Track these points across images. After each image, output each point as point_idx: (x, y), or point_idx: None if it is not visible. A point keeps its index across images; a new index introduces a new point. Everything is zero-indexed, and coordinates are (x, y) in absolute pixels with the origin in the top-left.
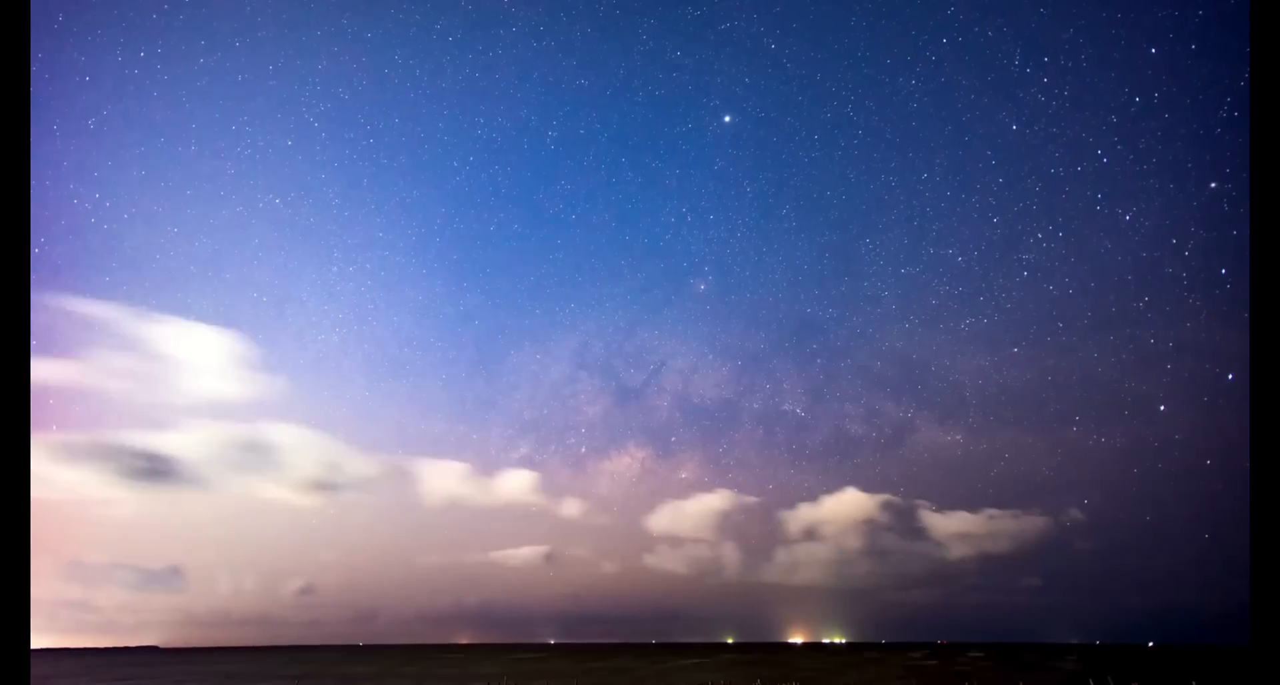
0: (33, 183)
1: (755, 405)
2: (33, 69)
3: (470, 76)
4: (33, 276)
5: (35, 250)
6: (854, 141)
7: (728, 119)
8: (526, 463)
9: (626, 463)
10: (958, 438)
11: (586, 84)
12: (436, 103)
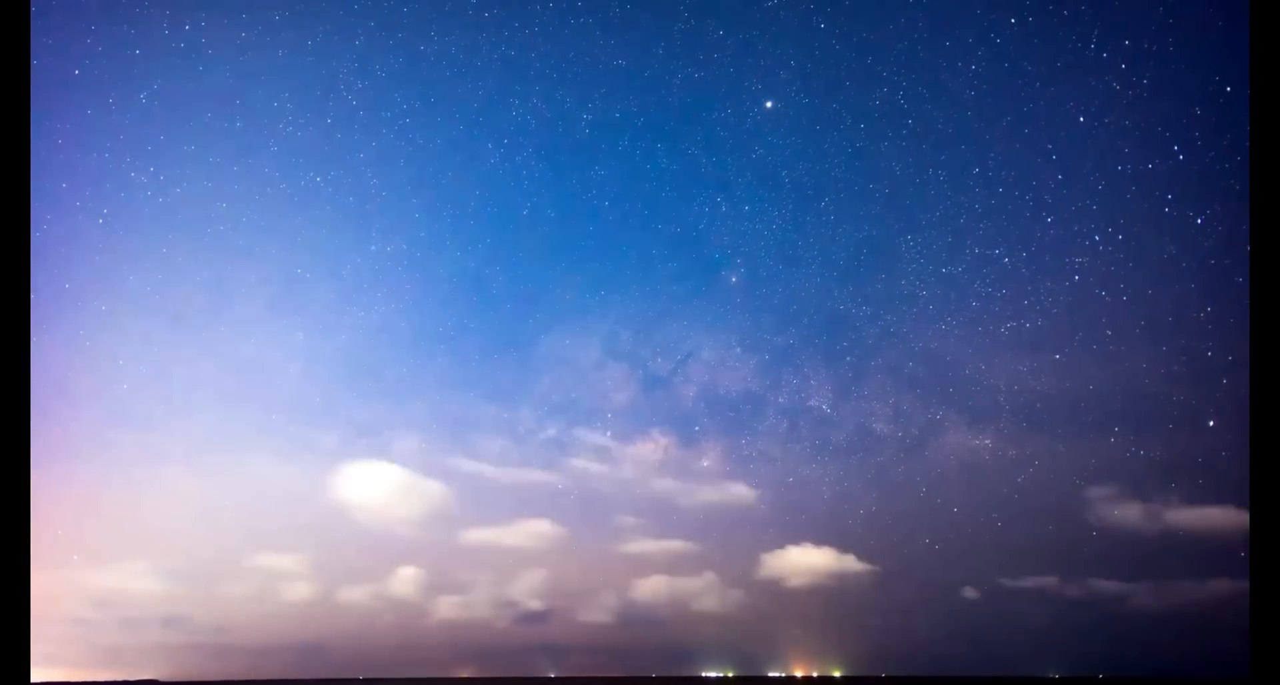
0: (93, 156)
1: (781, 399)
2: (86, 42)
3: (506, 55)
4: (97, 248)
5: (99, 221)
6: (902, 131)
7: (769, 105)
8: (554, 445)
9: (650, 449)
10: (986, 442)
11: (624, 64)
12: (471, 82)
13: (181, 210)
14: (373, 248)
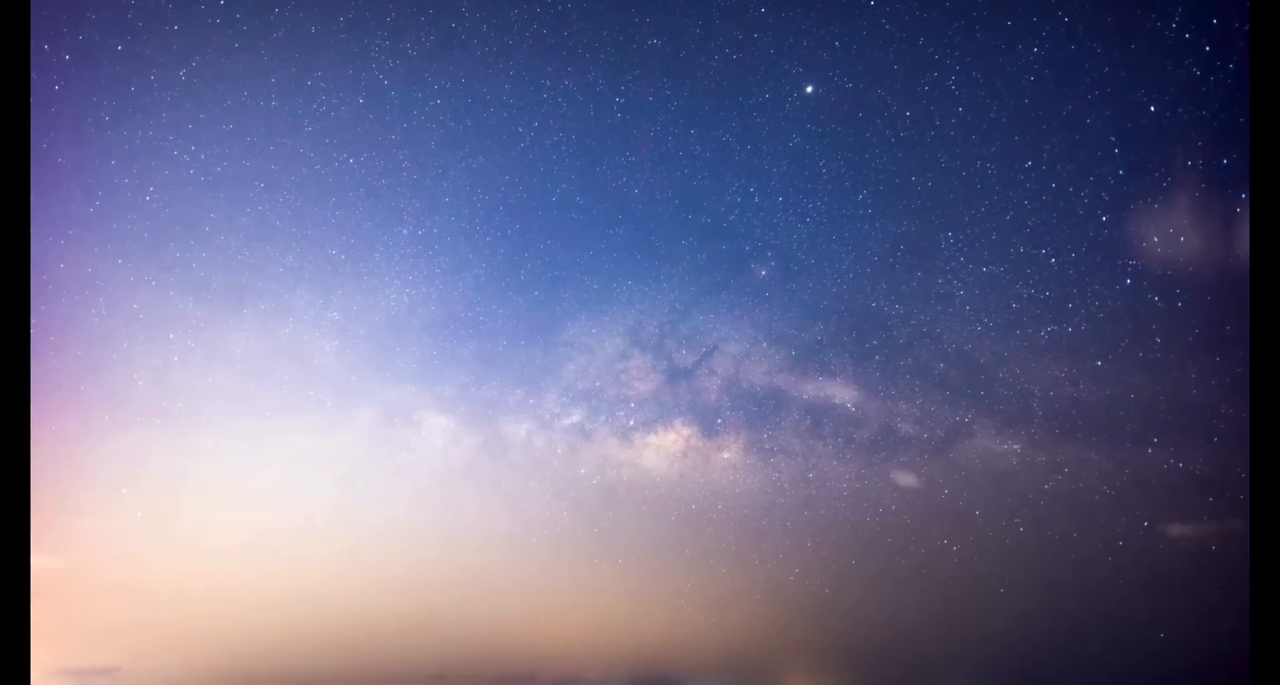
0: (138, 133)
1: (805, 396)
2: (127, 16)
3: (538, 33)
4: (145, 225)
5: (145, 198)
6: (951, 120)
7: (809, 89)
8: (578, 430)
9: (672, 439)
10: (1015, 447)
11: (659, 44)
12: (503, 61)
13: (221, 189)
14: (404, 231)
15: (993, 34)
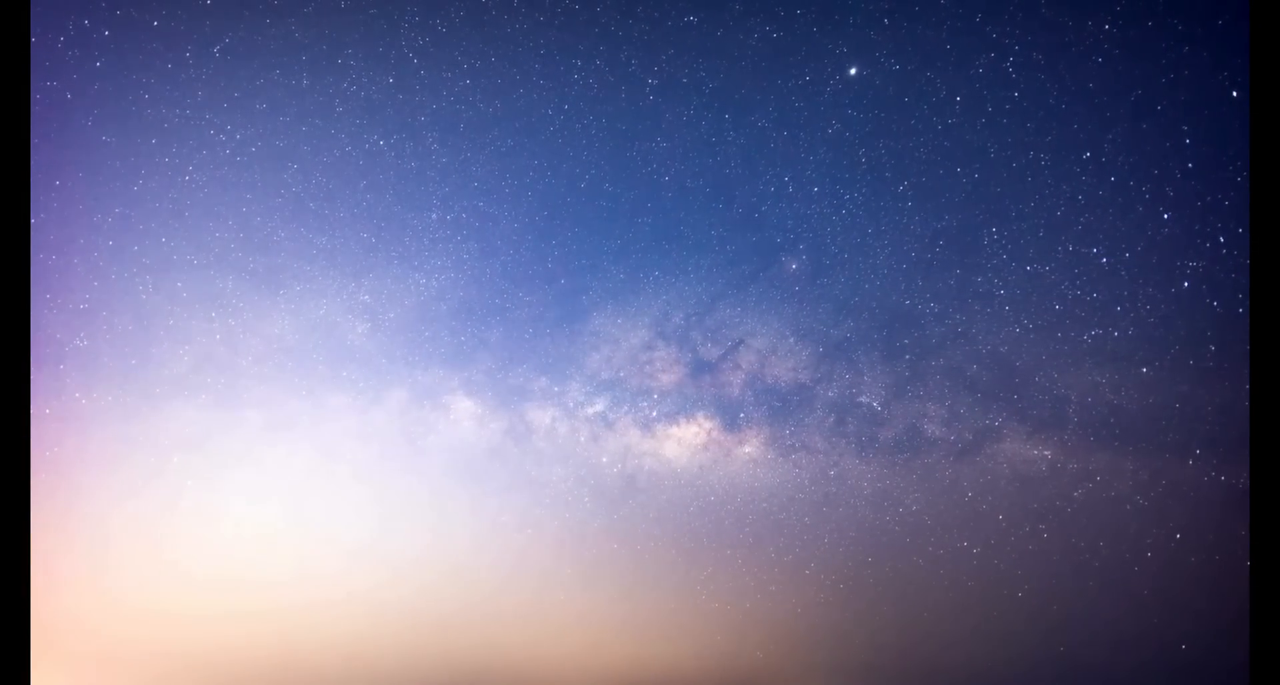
0: (175, 112)
1: (830, 393)
2: None
3: (570, 9)
4: (185, 204)
5: (185, 177)
6: (1004, 106)
7: (853, 72)
8: (600, 420)
9: (694, 431)
10: (1046, 453)
11: (695, 21)
12: (534, 40)
13: (257, 169)
14: (433, 216)
15: (1058, 9)
